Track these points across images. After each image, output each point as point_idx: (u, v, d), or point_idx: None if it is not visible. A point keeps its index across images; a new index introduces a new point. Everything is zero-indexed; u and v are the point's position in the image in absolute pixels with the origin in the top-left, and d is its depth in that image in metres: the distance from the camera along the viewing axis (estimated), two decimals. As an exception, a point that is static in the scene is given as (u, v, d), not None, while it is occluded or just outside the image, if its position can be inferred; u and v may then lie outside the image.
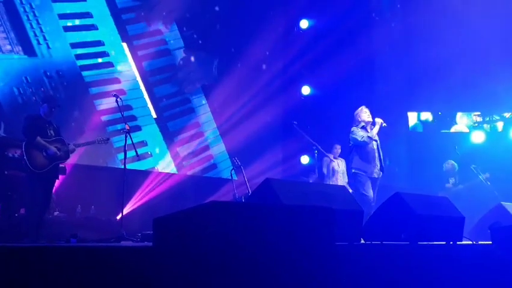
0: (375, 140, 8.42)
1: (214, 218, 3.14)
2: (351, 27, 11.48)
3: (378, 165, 8.39)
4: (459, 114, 11.77)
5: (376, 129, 8.40)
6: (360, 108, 8.62)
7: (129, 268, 3.33)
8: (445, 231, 5.66)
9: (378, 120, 8.45)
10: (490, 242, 5.87)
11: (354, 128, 8.48)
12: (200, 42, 11.65)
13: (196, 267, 3.13)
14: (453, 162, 10.53)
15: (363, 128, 8.47)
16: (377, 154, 8.40)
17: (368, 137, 8.32)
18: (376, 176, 8.35)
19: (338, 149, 10.52)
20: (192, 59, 11.53)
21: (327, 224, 3.89)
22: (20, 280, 3.19)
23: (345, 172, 10.48)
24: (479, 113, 11.61)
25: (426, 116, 11.90)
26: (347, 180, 10.19)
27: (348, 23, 11.42)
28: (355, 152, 8.47)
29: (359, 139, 8.32)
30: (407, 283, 4.76)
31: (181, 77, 11.38)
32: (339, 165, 10.47)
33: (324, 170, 10.33)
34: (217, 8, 11.89)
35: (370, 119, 8.47)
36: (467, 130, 11.62)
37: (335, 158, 10.46)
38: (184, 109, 11.43)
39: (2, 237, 6.82)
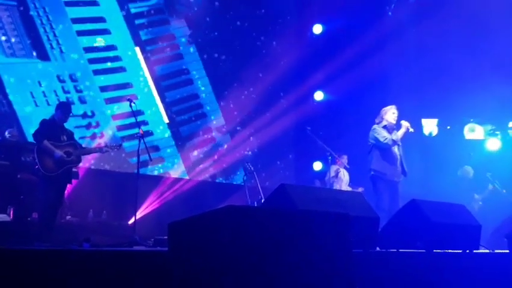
0: (398, 144, 7.90)
1: (230, 222, 3.09)
2: (365, 31, 11.38)
3: (400, 168, 7.87)
4: (467, 126, 11.57)
5: (401, 132, 7.84)
6: (389, 107, 8.06)
7: (145, 273, 3.30)
8: (462, 239, 5.58)
9: (405, 124, 7.87)
10: (507, 251, 5.82)
11: (376, 126, 7.95)
12: (212, 46, 11.63)
13: (212, 271, 3.08)
14: (469, 168, 10.30)
15: (385, 127, 7.93)
16: (399, 157, 7.89)
17: (392, 139, 7.79)
18: (396, 180, 7.86)
19: (344, 159, 10.43)
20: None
21: (343, 230, 3.84)
22: (32, 284, 3.16)
23: (348, 183, 10.44)
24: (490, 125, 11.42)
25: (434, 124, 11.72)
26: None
27: (361, 28, 11.34)
28: (375, 152, 7.92)
29: (381, 139, 7.80)
30: (423, 291, 4.71)
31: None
32: (344, 175, 10.45)
33: (332, 175, 10.19)
34: (229, 13, 11.84)
35: (394, 122, 7.94)
36: (482, 137, 11.43)
37: (341, 167, 10.41)
38: (197, 114, 11.40)
39: (14, 240, 6.81)
